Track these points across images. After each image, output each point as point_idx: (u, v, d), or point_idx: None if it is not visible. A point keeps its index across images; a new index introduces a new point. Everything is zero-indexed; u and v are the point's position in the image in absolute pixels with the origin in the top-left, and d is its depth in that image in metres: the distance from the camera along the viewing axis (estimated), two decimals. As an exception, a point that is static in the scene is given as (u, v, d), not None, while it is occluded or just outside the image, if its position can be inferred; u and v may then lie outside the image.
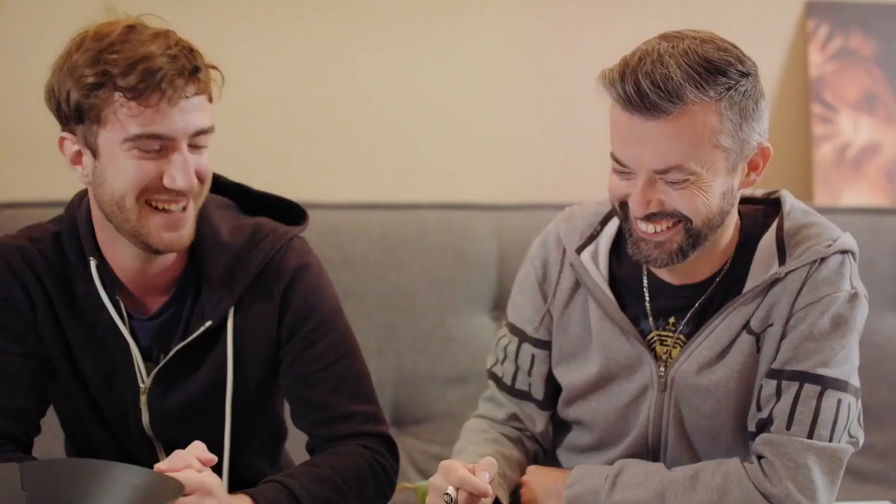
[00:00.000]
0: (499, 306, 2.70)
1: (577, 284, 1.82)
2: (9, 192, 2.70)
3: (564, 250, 1.84)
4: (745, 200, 1.81)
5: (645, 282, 1.79)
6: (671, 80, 1.59)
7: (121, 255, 1.75)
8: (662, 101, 1.59)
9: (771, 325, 1.71)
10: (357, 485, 1.74)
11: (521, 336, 1.88)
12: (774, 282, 1.71)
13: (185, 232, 1.71)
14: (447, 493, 1.59)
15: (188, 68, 1.64)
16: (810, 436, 1.66)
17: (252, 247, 1.78)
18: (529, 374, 1.88)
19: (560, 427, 1.91)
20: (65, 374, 1.80)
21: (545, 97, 2.96)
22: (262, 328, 1.79)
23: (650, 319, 1.79)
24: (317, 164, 2.90)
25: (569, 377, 1.84)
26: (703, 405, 1.75)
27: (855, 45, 3.05)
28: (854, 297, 1.70)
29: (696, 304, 1.76)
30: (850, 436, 1.70)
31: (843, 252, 1.71)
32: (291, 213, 1.87)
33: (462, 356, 2.65)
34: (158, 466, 1.53)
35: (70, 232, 1.78)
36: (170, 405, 1.80)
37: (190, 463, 1.55)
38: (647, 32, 1.72)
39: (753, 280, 1.72)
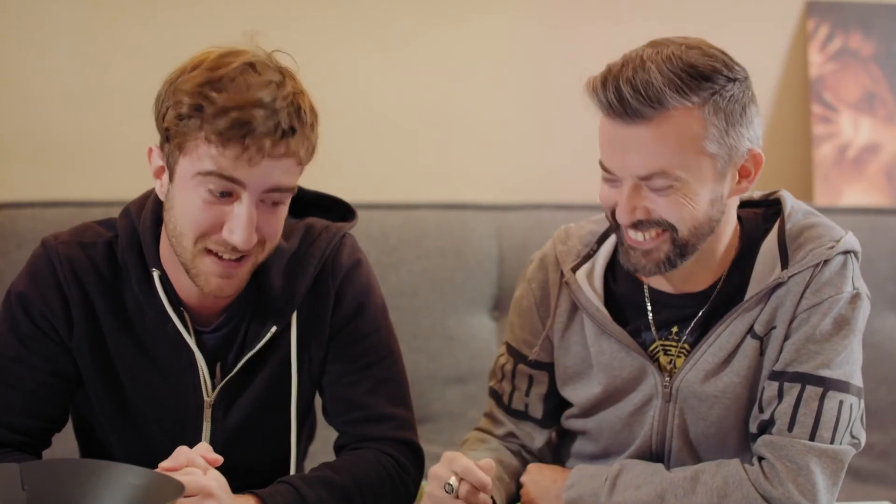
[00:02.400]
0: (499, 306, 2.70)
1: (575, 306, 1.81)
2: (9, 192, 2.70)
3: (562, 271, 1.83)
4: (743, 203, 1.81)
5: (647, 295, 1.79)
6: (651, 85, 1.58)
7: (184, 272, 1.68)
8: (643, 106, 1.58)
9: (774, 327, 1.70)
10: (373, 498, 1.71)
11: (518, 357, 1.88)
12: (778, 286, 1.70)
13: (235, 282, 1.65)
14: (448, 483, 1.59)
15: (283, 128, 1.56)
16: (812, 437, 1.65)
17: (307, 247, 1.75)
18: (527, 394, 1.87)
19: (565, 435, 1.91)
20: (100, 393, 1.74)
21: (545, 97, 2.96)
22: (321, 327, 1.77)
23: (652, 330, 1.78)
24: (316, 165, 2.87)
25: (575, 396, 1.84)
26: (711, 414, 1.74)
27: (855, 45, 3.05)
28: (856, 297, 1.69)
29: (700, 313, 1.75)
30: (852, 436, 1.70)
31: (846, 252, 1.70)
32: (337, 210, 1.85)
33: (462, 356, 2.66)
34: (162, 465, 1.51)
35: (129, 241, 1.71)
36: (233, 419, 1.76)
37: (193, 460, 1.53)
38: (647, 32, 1.71)
39: (756, 285, 1.71)
